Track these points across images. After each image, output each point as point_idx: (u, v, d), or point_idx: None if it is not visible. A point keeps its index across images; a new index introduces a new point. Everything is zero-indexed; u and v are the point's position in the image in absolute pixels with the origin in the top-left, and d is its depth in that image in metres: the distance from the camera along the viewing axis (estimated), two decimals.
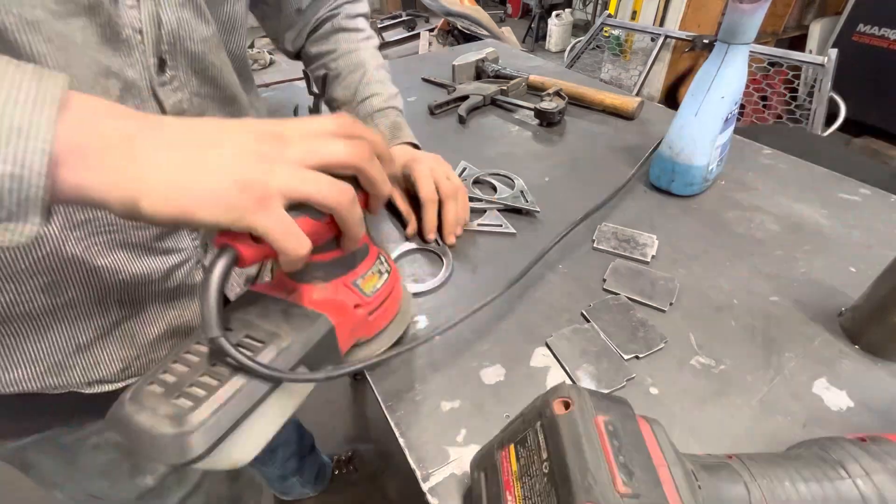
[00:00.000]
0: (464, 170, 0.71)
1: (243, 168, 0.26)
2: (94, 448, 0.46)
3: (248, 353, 0.28)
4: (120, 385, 0.44)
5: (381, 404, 0.40)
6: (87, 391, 0.42)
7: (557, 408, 0.27)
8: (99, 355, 0.42)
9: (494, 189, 0.66)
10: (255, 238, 0.27)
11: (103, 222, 0.37)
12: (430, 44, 3.01)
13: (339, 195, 0.29)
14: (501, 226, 0.60)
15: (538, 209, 0.61)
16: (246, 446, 0.29)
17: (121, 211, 0.24)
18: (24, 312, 0.37)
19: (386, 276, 0.40)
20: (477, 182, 0.69)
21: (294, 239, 0.27)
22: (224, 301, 0.28)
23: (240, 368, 0.28)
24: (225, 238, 0.27)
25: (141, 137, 0.25)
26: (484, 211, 0.63)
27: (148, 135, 0.25)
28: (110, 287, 0.39)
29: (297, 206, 0.28)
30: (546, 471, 0.26)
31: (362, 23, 0.64)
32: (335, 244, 0.33)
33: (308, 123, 0.30)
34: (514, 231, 0.59)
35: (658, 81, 2.41)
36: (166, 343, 0.47)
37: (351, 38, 0.62)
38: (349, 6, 0.62)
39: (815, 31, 2.58)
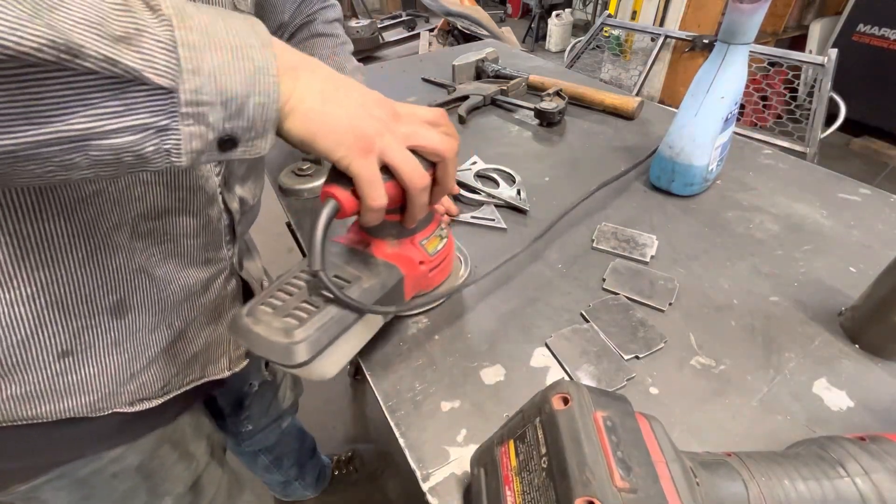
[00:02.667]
0: (474, 163, 0.71)
1: (362, 121, 0.32)
2: (112, 477, 0.45)
3: (339, 289, 0.35)
4: (159, 401, 0.45)
5: (381, 404, 0.40)
6: (129, 410, 0.43)
7: (556, 403, 0.27)
8: (146, 379, 0.43)
9: (497, 184, 0.67)
10: (353, 193, 0.33)
11: (160, 232, 0.39)
12: (430, 44, 3.01)
13: (418, 178, 0.34)
14: (494, 220, 0.60)
15: (527, 207, 0.62)
16: (332, 363, 0.36)
17: (276, 124, 0.29)
18: (90, 342, 0.38)
19: (445, 240, 0.45)
20: (480, 176, 0.69)
21: (376, 190, 0.33)
22: None
23: (332, 300, 0.34)
24: (329, 190, 0.33)
25: (302, 69, 0.30)
26: (480, 204, 0.63)
27: (307, 68, 0.31)
28: (164, 302, 0.41)
29: (383, 171, 0.34)
30: (545, 466, 0.26)
31: (338, 28, 0.65)
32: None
33: (419, 109, 0.37)
34: (504, 227, 0.59)
35: (658, 81, 2.41)
36: (201, 358, 0.48)
37: (327, 43, 0.63)
38: (324, 12, 0.63)
39: (815, 31, 2.58)
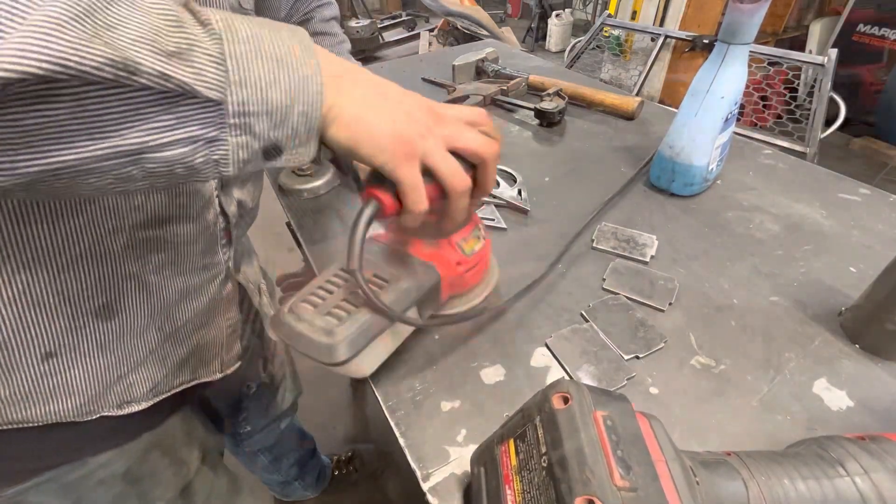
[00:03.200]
0: None
1: (406, 127, 0.32)
2: (99, 483, 0.45)
3: (376, 290, 0.35)
4: (148, 404, 0.44)
5: (382, 404, 0.40)
6: (117, 413, 0.42)
7: (556, 402, 0.27)
8: (134, 380, 0.43)
9: (497, 184, 0.67)
10: (394, 195, 0.33)
11: (160, 241, 0.39)
12: (430, 44, 3.01)
13: (459, 182, 0.34)
14: (494, 220, 0.60)
15: (528, 207, 0.62)
16: (370, 361, 0.37)
17: (320, 132, 0.30)
18: (74, 343, 0.37)
19: (482, 241, 0.45)
20: None
21: (418, 195, 0.33)
22: None
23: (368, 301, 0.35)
24: (372, 191, 0.33)
25: (346, 77, 0.31)
26: (481, 204, 0.63)
27: (351, 76, 0.31)
28: (154, 306, 0.41)
29: (424, 173, 0.33)
30: (545, 465, 0.26)
31: (335, 27, 0.65)
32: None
33: (461, 111, 0.37)
34: (504, 227, 0.60)
35: (658, 81, 2.41)
36: (192, 361, 0.48)
37: (324, 42, 0.63)
38: (321, 10, 0.63)
39: (815, 31, 2.58)
